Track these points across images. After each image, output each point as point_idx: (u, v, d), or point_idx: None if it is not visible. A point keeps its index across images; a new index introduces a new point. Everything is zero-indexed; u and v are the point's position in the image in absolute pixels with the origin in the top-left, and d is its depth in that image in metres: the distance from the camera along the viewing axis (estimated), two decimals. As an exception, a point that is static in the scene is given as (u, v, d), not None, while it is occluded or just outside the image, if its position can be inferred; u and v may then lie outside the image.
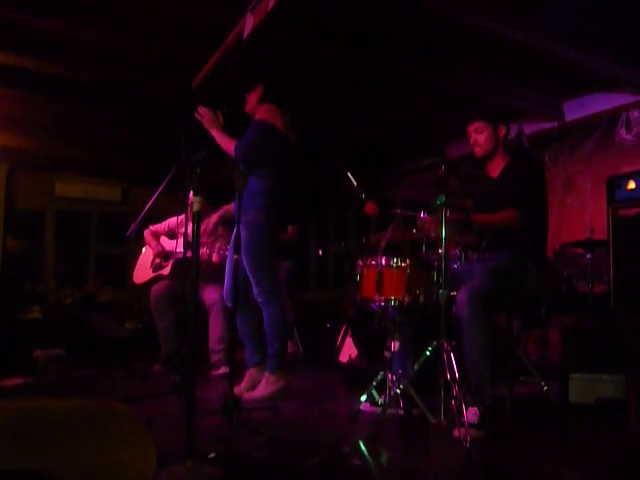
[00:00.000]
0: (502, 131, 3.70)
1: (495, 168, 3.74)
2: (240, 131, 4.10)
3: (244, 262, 4.04)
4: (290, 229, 6.09)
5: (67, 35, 4.68)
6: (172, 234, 5.68)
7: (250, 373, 4.20)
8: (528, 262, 3.50)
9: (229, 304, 4.23)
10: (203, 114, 4.17)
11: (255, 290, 4.06)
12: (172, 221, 5.68)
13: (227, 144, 4.08)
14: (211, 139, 4.12)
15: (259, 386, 4.05)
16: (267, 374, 4.06)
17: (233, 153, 4.04)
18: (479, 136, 3.69)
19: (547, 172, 3.93)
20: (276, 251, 4.22)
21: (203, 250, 5.06)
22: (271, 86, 4.24)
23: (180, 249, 5.11)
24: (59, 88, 5.77)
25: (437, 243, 3.34)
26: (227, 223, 5.64)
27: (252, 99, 4.26)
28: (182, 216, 4.97)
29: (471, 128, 3.72)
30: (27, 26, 4.53)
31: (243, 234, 4.00)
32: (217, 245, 5.24)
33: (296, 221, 6.24)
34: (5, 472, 1.15)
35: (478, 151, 3.72)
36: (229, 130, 4.15)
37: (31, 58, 5.13)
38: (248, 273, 4.06)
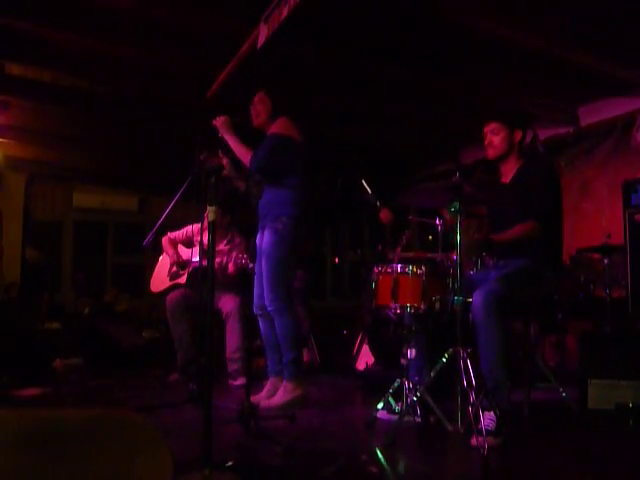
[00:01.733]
0: (518, 135, 3.66)
1: (508, 172, 3.72)
2: (253, 139, 4.12)
3: (264, 267, 4.05)
4: (307, 243, 6.09)
5: (83, 48, 4.73)
6: (189, 242, 5.70)
7: (271, 382, 4.20)
8: (544, 267, 3.48)
9: (256, 312, 4.25)
10: (220, 120, 4.15)
11: (267, 297, 4.06)
12: (189, 229, 5.70)
13: (244, 154, 4.09)
14: (226, 148, 4.14)
15: (277, 394, 4.05)
16: (285, 382, 4.06)
17: (249, 164, 4.06)
18: (494, 137, 3.65)
19: (563, 177, 3.92)
20: (296, 262, 4.23)
21: (219, 259, 5.08)
22: (276, 95, 4.25)
23: (196, 258, 5.13)
24: (76, 100, 5.83)
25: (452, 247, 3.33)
26: (244, 231, 5.65)
27: (260, 111, 4.26)
28: (198, 224, 5.01)
29: (487, 129, 3.69)
30: (44, 39, 4.58)
31: (268, 239, 4.02)
32: (233, 254, 5.25)
33: (313, 235, 6.23)
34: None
35: (491, 152, 3.69)
36: (243, 139, 4.16)
37: (48, 70, 5.19)
38: (264, 279, 4.06)
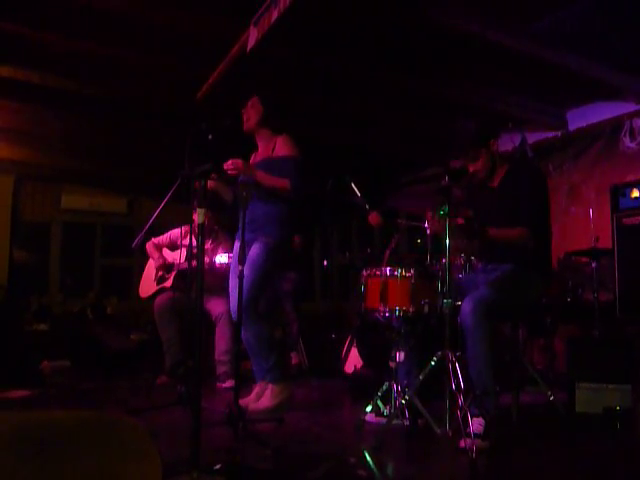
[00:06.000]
0: (495, 145, 3.67)
1: (496, 177, 3.73)
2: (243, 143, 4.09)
3: (246, 276, 4.03)
4: (296, 239, 6.09)
5: (72, 49, 4.71)
6: (174, 246, 5.70)
7: (260, 385, 4.18)
8: (532, 271, 3.49)
9: (237, 319, 4.22)
10: (238, 165, 3.96)
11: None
12: (173, 233, 5.70)
13: (280, 183, 4.04)
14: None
15: (263, 397, 4.04)
16: (271, 385, 4.05)
17: (292, 190, 4.03)
18: (477, 163, 3.66)
19: (551, 181, 3.92)
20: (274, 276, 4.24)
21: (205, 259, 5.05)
22: (268, 104, 4.23)
23: (182, 260, 5.14)
24: (65, 101, 5.80)
25: (440, 250, 3.33)
26: (226, 229, 5.63)
27: (251, 116, 4.25)
28: (184, 227, 5.02)
29: (467, 158, 3.69)
30: (32, 40, 4.56)
31: (257, 249, 4.00)
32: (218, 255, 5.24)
33: (301, 232, 6.24)
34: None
35: (481, 175, 3.68)
36: (233, 141, 4.14)
37: (37, 72, 5.17)
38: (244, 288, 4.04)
